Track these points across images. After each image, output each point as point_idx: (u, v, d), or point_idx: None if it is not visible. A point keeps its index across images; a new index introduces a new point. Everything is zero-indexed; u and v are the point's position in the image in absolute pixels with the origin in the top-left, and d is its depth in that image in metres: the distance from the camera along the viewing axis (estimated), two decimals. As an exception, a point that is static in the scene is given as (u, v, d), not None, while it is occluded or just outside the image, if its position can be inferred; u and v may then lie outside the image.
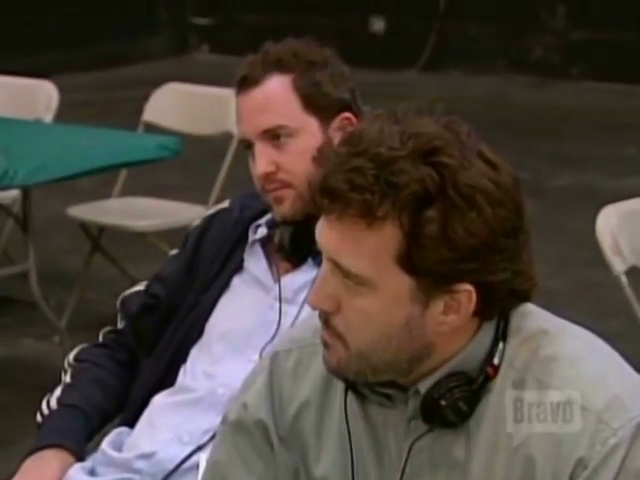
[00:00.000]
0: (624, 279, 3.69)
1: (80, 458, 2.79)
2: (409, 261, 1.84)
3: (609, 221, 3.70)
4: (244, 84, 2.77)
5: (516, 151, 6.88)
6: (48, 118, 5.49)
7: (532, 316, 2.01)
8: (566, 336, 2.01)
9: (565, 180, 5.56)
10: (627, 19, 10.10)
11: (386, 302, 1.88)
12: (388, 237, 1.84)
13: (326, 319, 1.94)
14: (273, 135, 2.71)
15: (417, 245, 1.84)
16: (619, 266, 3.70)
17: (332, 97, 2.74)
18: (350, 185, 1.83)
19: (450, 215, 1.83)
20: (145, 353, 2.88)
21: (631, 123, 8.42)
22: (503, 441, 1.95)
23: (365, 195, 1.81)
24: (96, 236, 5.43)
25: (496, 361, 1.96)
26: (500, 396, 1.96)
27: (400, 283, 1.87)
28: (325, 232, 1.90)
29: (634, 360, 2.11)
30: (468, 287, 1.88)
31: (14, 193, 5.05)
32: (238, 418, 2.17)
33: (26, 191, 4.99)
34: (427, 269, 1.86)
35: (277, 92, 2.74)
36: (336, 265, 1.89)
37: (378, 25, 10.70)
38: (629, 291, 3.72)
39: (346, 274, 1.88)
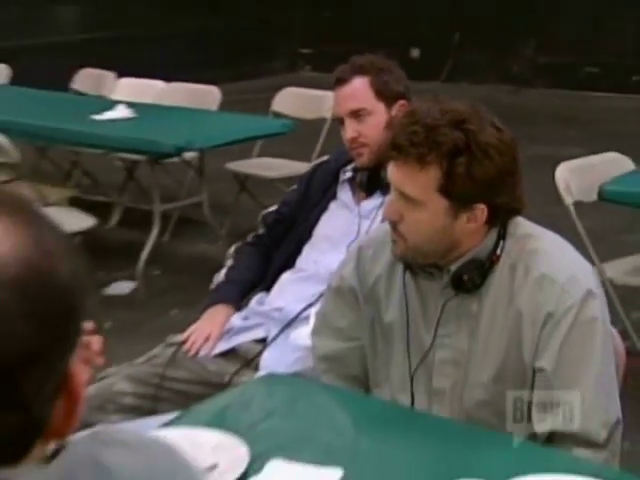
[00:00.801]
0: (572, 208, 3.61)
1: (238, 309, 2.79)
2: (445, 190, 1.88)
3: (563, 173, 3.64)
4: (338, 82, 2.74)
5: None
6: (214, 108, 5.50)
7: (522, 225, 2.00)
8: (543, 237, 2.01)
9: (532, 151, 5.46)
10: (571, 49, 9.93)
11: (430, 215, 1.91)
12: (432, 175, 1.87)
13: (394, 225, 1.95)
14: (356, 114, 2.67)
15: (451, 180, 1.88)
16: (569, 200, 3.63)
17: (394, 90, 2.69)
18: (410, 142, 1.88)
19: (472, 161, 1.87)
20: (276, 248, 2.87)
21: (572, 115, 8.31)
22: (502, 301, 1.96)
23: (419, 149, 1.86)
24: (243, 181, 5.42)
25: (498, 252, 1.96)
26: (500, 274, 1.96)
27: (439, 203, 1.89)
28: (394, 172, 1.93)
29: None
30: (482, 206, 1.91)
31: (194, 154, 5.03)
32: (337, 285, 2.17)
33: (201, 152, 4.99)
34: (456, 195, 1.90)
35: (359, 87, 2.69)
36: (400, 193, 1.93)
37: (415, 53, 10.66)
38: (574, 215, 3.65)
39: (406, 198, 1.91)
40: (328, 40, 9.62)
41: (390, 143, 1.90)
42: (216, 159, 5.31)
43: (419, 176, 1.85)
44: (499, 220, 1.94)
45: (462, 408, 1.97)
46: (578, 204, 3.66)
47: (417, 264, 1.99)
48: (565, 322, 1.86)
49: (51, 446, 0.89)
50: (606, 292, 3.51)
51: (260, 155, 5.50)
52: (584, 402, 1.86)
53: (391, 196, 1.95)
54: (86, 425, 1.20)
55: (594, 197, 3.59)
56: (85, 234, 4.61)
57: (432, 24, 10.38)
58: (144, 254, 4.98)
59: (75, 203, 5.36)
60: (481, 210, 1.88)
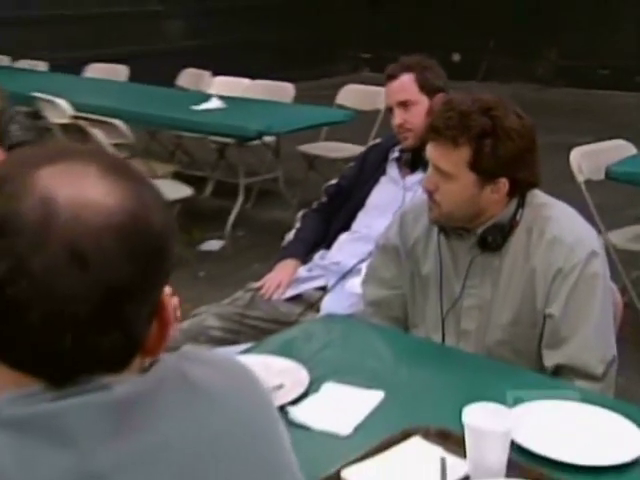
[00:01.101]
0: (583, 186, 3.55)
1: (304, 263, 2.79)
2: (473, 166, 1.84)
3: (576, 156, 3.60)
4: (389, 78, 2.72)
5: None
6: (289, 101, 5.50)
7: (537, 196, 1.96)
8: (555, 207, 1.97)
9: (551, 139, 5.33)
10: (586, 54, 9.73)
11: (461, 186, 1.87)
12: (464, 153, 1.84)
13: (430, 195, 1.92)
14: (403, 104, 2.64)
15: (478, 158, 1.86)
16: (580, 178, 3.56)
17: (434, 85, 2.65)
18: (445, 126, 1.86)
19: (497, 142, 1.84)
20: (335, 214, 2.86)
21: (585, 109, 8.17)
22: (519, 258, 1.93)
23: (453, 131, 1.84)
24: (311, 161, 5.39)
25: (517, 218, 1.92)
26: (519, 236, 1.92)
27: (468, 177, 1.87)
28: (431, 150, 1.89)
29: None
30: (504, 180, 1.88)
31: (272, 138, 5.01)
32: (384, 244, 2.16)
33: (278, 137, 4.97)
34: (483, 170, 1.87)
35: (406, 82, 2.66)
36: (436, 168, 1.90)
37: (456, 57, 10.44)
38: (585, 191, 3.58)
39: (441, 172, 1.89)
40: (383, 46, 9.46)
41: (429, 126, 1.88)
42: (290, 142, 5.29)
43: (452, 154, 1.83)
44: (519, 192, 1.90)
45: (484, 346, 1.96)
46: (588, 182, 3.60)
47: (449, 227, 1.97)
48: (572, 277, 1.84)
49: (146, 361, 0.90)
50: (609, 255, 3.49)
51: (326, 139, 5.46)
52: (585, 342, 1.85)
53: (429, 171, 1.92)
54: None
55: (602, 176, 3.53)
56: (184, 202, 4.65)
57: (470, 32, 10.20)
58: (231, 219, 5.01)
59: (177, 177, 5.40)
60: (503, 183, 1.86)
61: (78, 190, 0.80)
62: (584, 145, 3.75)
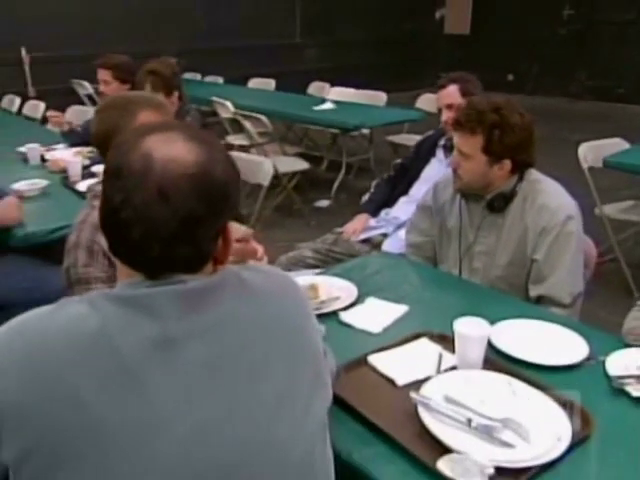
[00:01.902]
0: (587, 172, 3.33)
1: (374, 216, 2.73)
2: (485, 150, 1.76)
3: (583, 149, 3.37)
4: (440, 87, 2.59)
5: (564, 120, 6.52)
6: (382, 104, 5.37)
7: (533, 174, 1.85)
8: (544, 182, 1.86)
9: (576, 137, 4.96)
10: (608, 76, 9.05)
11: (476, 164, 1.79)
12: (478, 140, 1.75)
13: (454, 170, 1.84)
14: (449, 107, 2.50)
15: (489, 144, 1.77)
16: (584, 165, 3.35)
17: (473, 93, 2.45)
18: (466, 120, 1.79)
19: (503, 134, 1.75)
20: (399, 183, 2.77)
21: (604, 118, 7.60)
22: (516, 219, 1.83)
23: (471, 124, 1.76)
24: (395, 147, 5.19)
25: (517, 190, 1.82)
26: (517, 203, 1.83)
27: (482, 158, 1.78)
28: (456, 138, 1.83)
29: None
30: (507, 161, 1.78)
31: (367, 130, 4.90)
32: (422, 204, 2.11)
33: (371, 129, 4.88)
34: (492, 153, 1.77)
35: (452, 90, 2.53)
36: (459, 150, 1.82)
37: (510, 77, 9.90)
38: (588, 176, 3.35)
39: (462, 154, 1.81)
40: (456, 68, 9.01)
41: (455, 120, 1.79)
42: (381, 134, 5.18)
43: (470, 140, 1.74)
44: (519, 169, 1.80)
45: (488, 280, 1.89)
46: (591, 168, 3.35)
47: (468, 194, 1.89)
48: (553, 233, 1.74)
49: (217, 268, 0.91)
50: (603, 223, 3.29)
51: (407, 132, 5.28)
52: (559, 280, 1.75)
53: (454, 153, 1.84)
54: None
55: (601, 164, 3.28)
56: (304, 173, 4.67)
57: (521, 59, 9.66)
58: (335, 185, 4.98)
59: (302, 155, 5.41)
60: (507, 163, 1.76)
61: (168, 150, 0.83)
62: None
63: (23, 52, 6.63)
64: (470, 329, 1.31)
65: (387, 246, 2.50)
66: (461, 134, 1.76)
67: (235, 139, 5.06)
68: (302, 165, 4.60)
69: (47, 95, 5.82)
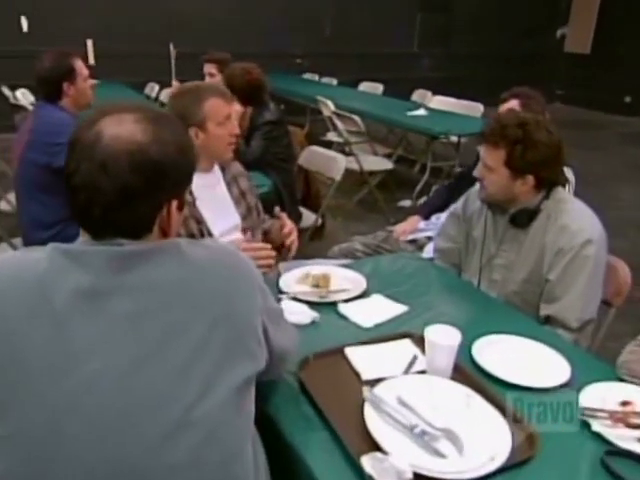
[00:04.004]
0: None
1: (425, 219, 2.62)
2: (507, 164, 1.61)
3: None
4: (502, 101, 2.42)
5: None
6: (478, 115, 5.13)
7: (560, 192, 1.69)
8: (570, 202, 1.69)
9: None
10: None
11: (499, 177, 1.66)
12: (502, 154, 1.62)
13: (480, 181, 1.71)
14: None
15: (511, 158, 1.62)
16: None
17: (533, 108, 2.25)
18: (490, 134, 1.67)
19: (526, 149, 1.60)
20: (457, 191, 2.53)
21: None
22: (538, 236, 1.68)
23: (495, 138, 1.62)
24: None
25: (542, 207, 1.67)
26: (540, 220, 1.68)
27: (504, 171, 1.65)
28: (482, 151, 1.68)
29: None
30: (530, 177, 1.63)
31: (455, 137, 4.66)
32: (452, 211, 2.03)
33: (459, 137, 4.56)
34: (514, 168, 1.63)
35: (513, 104, 2.34)
36: (484, 163, 1.70)
37: (627, 99, 8.91)
38: None
39: (487, 166, 1.68)
40: (573, 87, 8.25)
41: (481, 133, 1.65)
42: (473, 143, 4.91)
43: (493, 154, 1.60)
44: (544, 187, 1.63)
45: (505, 293, 1.74)
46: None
47: (494, 206, 1.75)
48: (569, 255, 1.57)
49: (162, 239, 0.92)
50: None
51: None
52: (569, 304, 1.58)
53: (479, 164, 1.70)
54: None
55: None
56: (393, 173, 4.57)
57: (637, 83, 8.72)
58: (418, 187, 4.82)
59: (399, 157, 5.32)
60: (530, 179, 1.60)
61: (116, 129, 0.86)
62: None
63: (171, 47, 7.05)
64: (439, 337, 1.22)
65: (427, 249, 2.38)
66: (486, 147, 1.62)
67: (333, 136, 5.06)
68: (387, 165, 4.50)
69: (184, 85, 6.16)
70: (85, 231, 0.88)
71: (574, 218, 1.60)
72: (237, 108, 1.63)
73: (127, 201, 0.84)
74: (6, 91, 4.88)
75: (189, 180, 0.95)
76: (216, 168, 1.83)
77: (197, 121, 1.67)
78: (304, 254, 2.21)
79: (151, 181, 0.85)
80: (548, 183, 1.63)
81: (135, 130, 0.86)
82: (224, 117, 1.70)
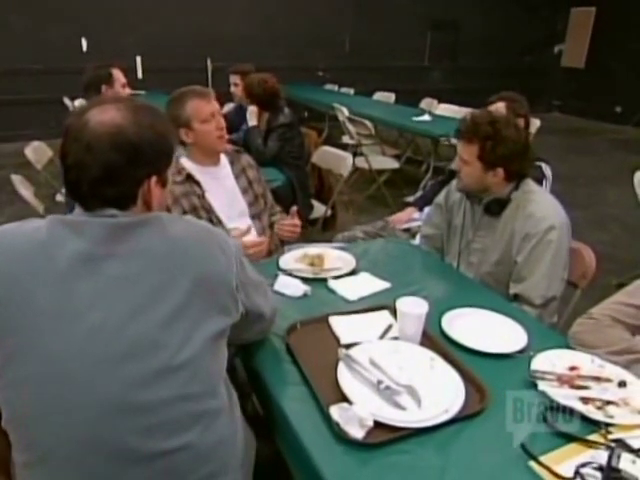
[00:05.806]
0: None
1: (420, 210, 2.59)
2: (480, 158, 1.59)
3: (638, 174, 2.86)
4: (490, 103, 2.34)
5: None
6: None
7: (528, 184, 1.67)
8: (537, 193, 1.67)
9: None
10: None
11: (472, 170, 1.64)
12: (475, 149, 1.60)
13: (457, 173, 1.69)
14: None
15: (483, 153, 1.61)
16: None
17: (517, 111, 2.23)
18: (465, 130, 1.65)
19: (495, 144, 1.58)
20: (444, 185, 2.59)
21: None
22: (508, 223, 1.66)
23: (469, 134, 1.61)
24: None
25: (512, 197, 1.65)
26: (510, 209, 1.66)
27: (477, 164, 1.62)
28: (458, 146, 1.66)
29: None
30: (500, 169, 1.60)
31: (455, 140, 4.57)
32: (436, 202, 1.95)
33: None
34: (486, 161, 1.61)
35: (500, 107, 2.26)
36: (460, 156, 1.67)
37: (618, 109, 8.62)
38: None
39: (462, 160, 1.66)
40: (568, 98, 8.05)
41: (457, 130, 1.63)
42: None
43: (468, 148, 1.59)
44: (513, 179, 1.61)
45: (480, 274, 1.73)
46: None
47: (470, 195, 1.73)
48: (534, 239, 1.55)
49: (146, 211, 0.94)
50: None
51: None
52: (533, 282, 1.57)
53: (456, 158, 1.68)
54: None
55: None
56: (401, 172, 4.52)
57: (629, 92, 8.39)
58: (421, 185, 4.68)
59: (408, 158, 5.26)
60: (500, 172, 1.58)
61: (100, 117, 0.89)
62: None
63: (208, 62, 7.12)
64: (409, 307, 1.22)
65: (419, 236, 2.37)
66: (461, 142, 1.61)
67: (347, 139, 5.04)
68: (393, 164, 4.48)
69: (220, 96, 6.23)
70: (79, 205, 0.91)
71: (540, 207, 1.57)
72: (217, 106, 1.66)
73: (110, 176, 0.87)
74: (67, 101, 5.02)
75: (167, 159, 0.95)
76: (224, 162, 1.86)
77: (184, 122, 1.69)
78: (316, 241, 2.23)
79: (130, 159, 0.88)
80: (517, 175, 1.61)
81: (116, 116, 0.89)
82: (207, 115, 1.70)
